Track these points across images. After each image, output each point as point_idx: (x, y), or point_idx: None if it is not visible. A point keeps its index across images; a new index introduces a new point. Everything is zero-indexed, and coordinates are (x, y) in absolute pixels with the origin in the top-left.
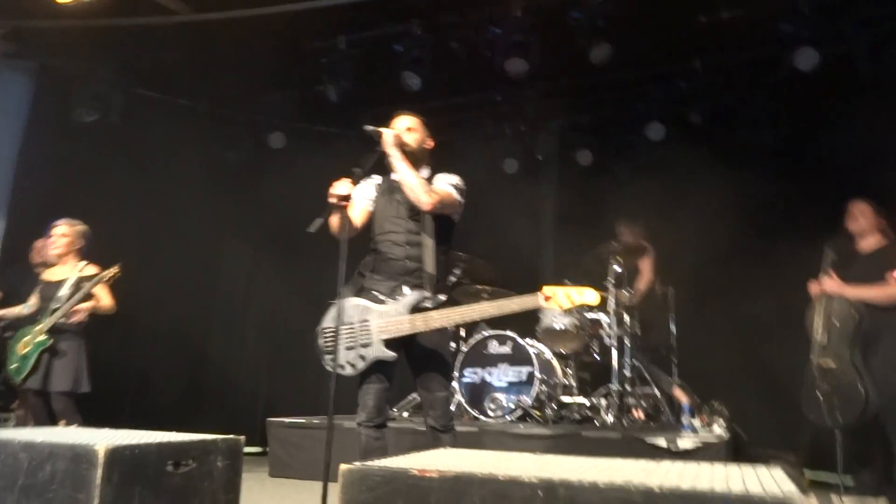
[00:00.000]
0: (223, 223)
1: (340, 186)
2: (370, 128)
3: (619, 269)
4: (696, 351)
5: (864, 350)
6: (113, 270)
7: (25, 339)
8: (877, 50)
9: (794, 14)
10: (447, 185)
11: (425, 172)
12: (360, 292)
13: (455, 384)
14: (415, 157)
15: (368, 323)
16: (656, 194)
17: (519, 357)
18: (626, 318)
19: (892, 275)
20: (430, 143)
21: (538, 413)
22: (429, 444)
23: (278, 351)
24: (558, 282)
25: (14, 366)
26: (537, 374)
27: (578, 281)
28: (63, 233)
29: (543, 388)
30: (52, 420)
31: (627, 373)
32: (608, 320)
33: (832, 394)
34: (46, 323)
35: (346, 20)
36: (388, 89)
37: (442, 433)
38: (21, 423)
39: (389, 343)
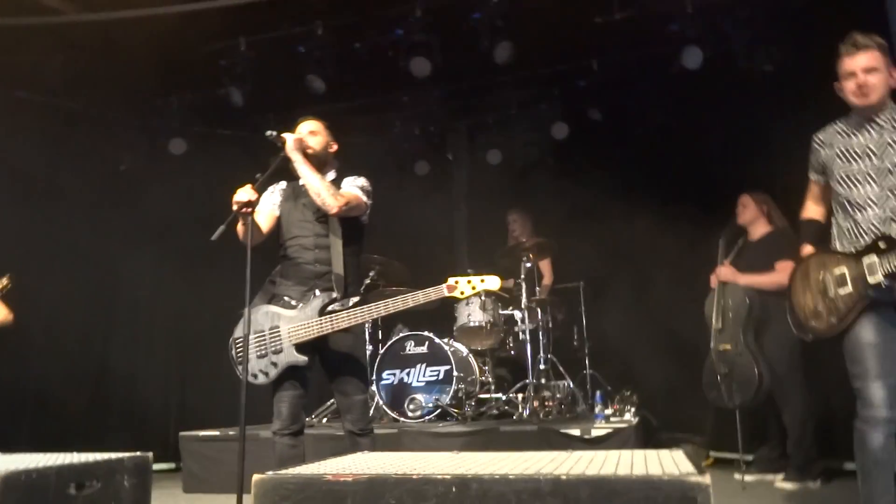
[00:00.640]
0: (122, 231)
1: (243, 193)
2: (271, 133)
3: (529, 265)
4: (607, 341)
5: (756, 333)
6: (2, 282)
7: None
8: (752, 48)
9: (681, 15)
10: (353, 187)
11: (331, 175)
12: (272, 299)
13: (373, 387)
14: (319, 161)
15: (279, 329)
16: (563, 190)
17: (436, 356)
18: (539, 313)
19: (779, 265)
20: (333, 146)
21: (457, 411)
22: (348, 449)
23: (188, 362)
24: (461, 272)
25: None
26: (455, 372)
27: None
28: None
29: (461, 385)
30: None
31: (542, 366)
32: (521, 315)
33: (730, 375)
34: None
35: (245, 21)
36: (292, 92)
37: (360, 437)
38: None
39: (301, 348)
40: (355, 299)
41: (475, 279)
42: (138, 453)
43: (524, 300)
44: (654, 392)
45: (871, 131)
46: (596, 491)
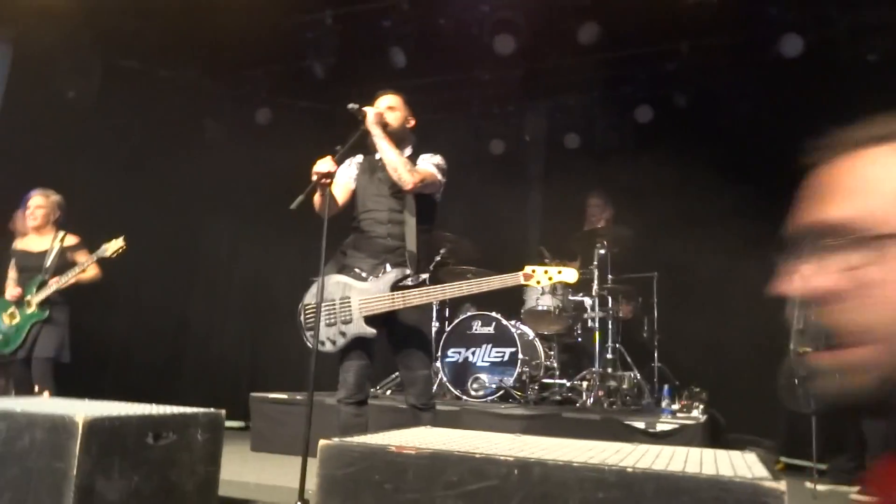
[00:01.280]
0: (206, 196)
1: (323, 164)
2: (353, 106)
3: (603, 252)
4: (678, 335)
5: None
6: (116, 244)
7: (10, 310)
8: (857, 35)
9: None
10: (429, 164)
11: (407, 151)
12: (343, 270)
13: (438, 363)
14: (397, 136)
15: (349, 300)
16: (642, 178)
17: (502, 338)
18: (610, 301)
19: None
20: (411, 122)
21: (519, 394)
22: (409, 422)
23: (261, 326)
24: (539, 260)
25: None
26: (520, 355)
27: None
28: (39, 204)
29: (525, 369)
30: (32, 389)
31: (609, 355)
32: (591, 302)
33: (809, 379)
34: (38, 295)
35: None
36: (374, 66)
37: (422, 411)
38: (2, 392)
39: (370, 320)
40: (424, 276)
41: (552, 270)
42: (212, 410)
43: (595, 287)
44: (724, 391)
45: None
46: (662, 487)
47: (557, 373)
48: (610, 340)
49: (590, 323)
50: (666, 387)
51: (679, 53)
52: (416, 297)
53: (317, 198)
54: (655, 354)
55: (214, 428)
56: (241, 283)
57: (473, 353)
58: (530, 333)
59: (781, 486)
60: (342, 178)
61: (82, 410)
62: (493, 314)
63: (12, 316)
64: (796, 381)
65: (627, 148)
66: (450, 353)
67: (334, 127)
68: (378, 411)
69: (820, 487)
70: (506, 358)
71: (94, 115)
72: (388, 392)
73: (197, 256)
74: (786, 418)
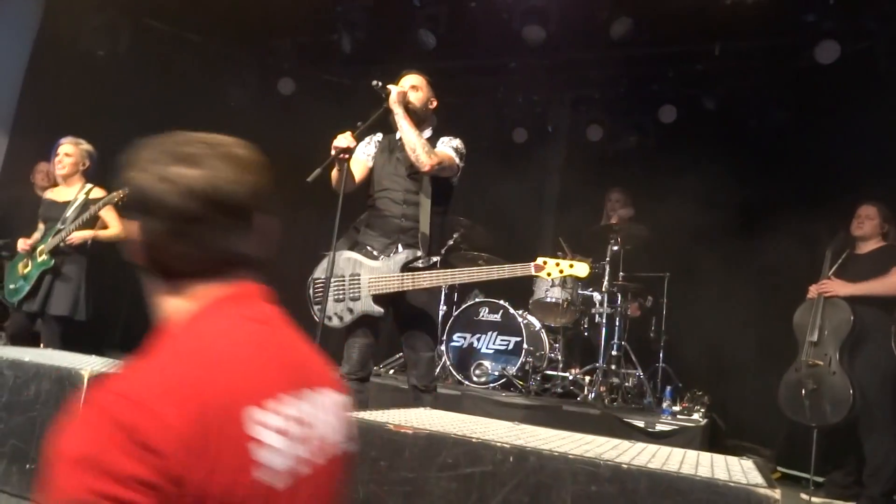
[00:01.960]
0: None
1: (342, 139)
2: (377, 83)
3: (616, 249)
4: (684, 337)
5: (850, 352)
6: (121, 192)
7: (24, 260)
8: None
9: (821, 4)
10: (448, 147)
11: (427, 132)
12: (354, 247)
13: (443, 347)
14: (418, 117)
15: (359, 277)
16: (660, 176)
17: (508, 326)
18: (619, 298)
19: None
20: (433, 103)
21: (522, 383)
22: (409, 403)
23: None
24: (556, 252)
25: (12, 286)
26: (525, 345)
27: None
28: (68, 152)
29: (529, 359)
30: (33, 343)
31: (614, 352)
32: (600, 298)
33: (817, 392)
34: (49, 243)
35: None
36: (401, 45)
37: (423, 392)
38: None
39: (378, 299)
40: (435, 259)
41: (564, 263)
42: None
43: (606, 283)
44: (726, 396)
45: None
46: (655, 485)
47: (561, 365)
48: (616, 337)
49: (597, 318)
50: (668, 388)
51: (710, 54)
52: (425, 280)
53: (334, 173)
54: (661, 355)
55: None
56: None
57: (479, 340)
58: (537, 324)
59: (776, 494)
60: (360, 154)
61: (89, 365)
62: (501, 302)
63: (25, 265)
64: (803, 392)
65: (649, 146)
66: (455, 337)
67: (356, 102)
68: (379, 390)
69: (815, 500)
70: (510, 347)
71: (120, 75)
72: (391, 371)
73: None
74: (786, 428)
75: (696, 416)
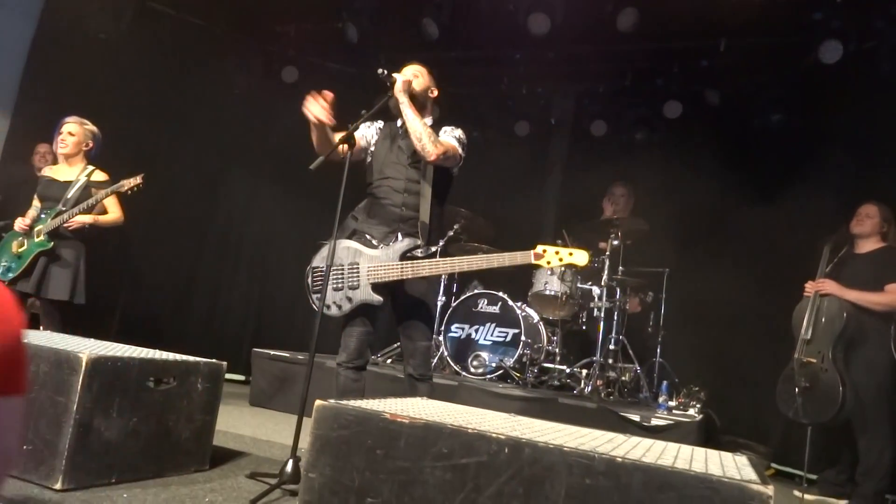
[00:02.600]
0: (226, 148)
1: (312, 106)
2: (383, 71)
3: (616, 243)
4: (682, 332)
5: (846, 351)
6: (134, 180)
7: (19, 239)
8: None
9: (828, 3)
10: (451, 137)
11: (428, 121)
12: (353, 235)
13: (441, 337)
14: (419, 104)
15: (358, 266)
16: (664, 172)
17: (507, 318)
18: (618, 292)
19: (891, 287)
20: (434, 92)
21: (518, 375)
22: (405, 392)
23: (269, 283)
24: (557, 241)
25: (4, 264)
26: (523, 337)
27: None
28: (72, 131)
29: (527, 351)
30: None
31: (612, 346)
32: (599, 292)
33: (810, 390)
34: (48, 224)
35: None
36: (406, 34)
37: (419, 382)
38: None
39: (377, 287)
40: (434, 249)
41: (563, 252)
42: (213, 360)
43: (605, 277)
44: (723, 392)
45: None
46: (649, 480)
47: (558, 358)
48: (614, 331)
49: (596, 312)
50: (665, 383)
51: (716, 50)
52: (424, 269)
53: (313, 136)
54: (658, 350)
55: (215, 378)
56: (253, 238)
57: (477, 331)
58: (535, 317)
59: (769, 490)
60: (363, 129)
61: (87, 348)
62: (500, 294)
63: (20, 244)
64: (797, 389)
65: (653, 141)
66: (453, 328)
67: (360, 90)
68: (376, 378)
69: (808, 497)
70: (508, 338)
71: (123, 58)
72: (388, 361)
73: (212, 208)
74: (781, 425)
75: (691, 411)
